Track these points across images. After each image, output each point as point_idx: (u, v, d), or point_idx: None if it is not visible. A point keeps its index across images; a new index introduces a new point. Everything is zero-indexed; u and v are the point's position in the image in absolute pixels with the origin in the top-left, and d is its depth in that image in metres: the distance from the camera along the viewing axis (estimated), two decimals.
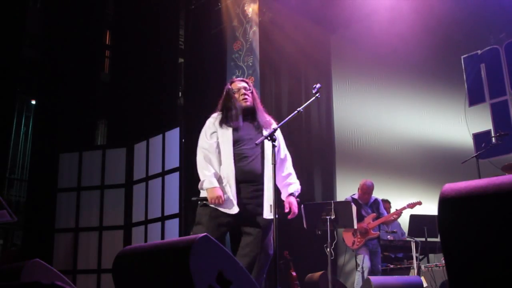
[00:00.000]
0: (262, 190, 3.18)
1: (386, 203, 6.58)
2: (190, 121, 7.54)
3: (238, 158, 3.18)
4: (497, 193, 1.41)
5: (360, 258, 5.74)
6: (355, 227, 5.16)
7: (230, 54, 7.78)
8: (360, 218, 5.76)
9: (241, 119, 3.27)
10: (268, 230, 3.18)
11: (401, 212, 5.90)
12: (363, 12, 7.65)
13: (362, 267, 5.62)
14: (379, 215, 5.89)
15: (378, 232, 5.78)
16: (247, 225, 3.19)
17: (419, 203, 5.81)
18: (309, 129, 8.17)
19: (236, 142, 3.21)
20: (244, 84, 3.39)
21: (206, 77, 7.87)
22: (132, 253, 2.19)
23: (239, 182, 3.15)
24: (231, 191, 3.11)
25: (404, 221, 6.42)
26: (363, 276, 5.52)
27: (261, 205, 3.16)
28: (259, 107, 3.39)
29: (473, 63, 6.99)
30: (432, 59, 7.29)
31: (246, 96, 3.33)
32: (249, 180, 3.18)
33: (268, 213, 3.15)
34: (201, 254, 1.88)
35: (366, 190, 5.93)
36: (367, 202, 5.95)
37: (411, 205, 5.82)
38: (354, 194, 6.07)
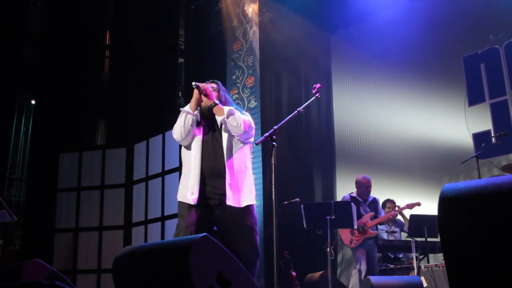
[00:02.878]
0: (224, 184, 3.21)
1: (391, 203, 6.55)
2: None
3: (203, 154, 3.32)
4: (497, 193, 1.41)
5: (357, 258, 5.72)
6: (355, 227, 5.15)
7: (230, 54, 7.78)
8: (359, 217, 5.73)
9: (201, 117, 3.39)
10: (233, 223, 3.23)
11: (399, 212, 5.89)
12: (363, 12, 7.64)
13: (360, 269, 5.60)
14: (377, 215, 5.87)
15: (376, 231, 5.77)
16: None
17: (418, 204, 5.81)
18: (309, 129, 8.16)
19: (203, 140, 3.36)
20: (211, 85, 3.48)
21: (206, 77, 7.86)
22: (132, 253, 2.19)
23: (203, 177, 3.25)
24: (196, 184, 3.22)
25: None
26: (360, 278, 5.51)
27: (223, 197, 3.20)
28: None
29: (473, 63, 6.99)
30: (432, 59, 7.29)
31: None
32: (210, 175, 3.25)
33: (234, 202, 3.20)
34: (201, 254, 1.88)
35: (366, 183, 5.90)
36: (366, 199, 5.90)
37: (410, 206, 5.81)
38: (352, 193, 6.04)
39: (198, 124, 3.37)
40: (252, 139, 3.45)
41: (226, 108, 3.30)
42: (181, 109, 3.38)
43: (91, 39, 8.61)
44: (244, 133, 3.28)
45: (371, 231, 5.70)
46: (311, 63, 8.34)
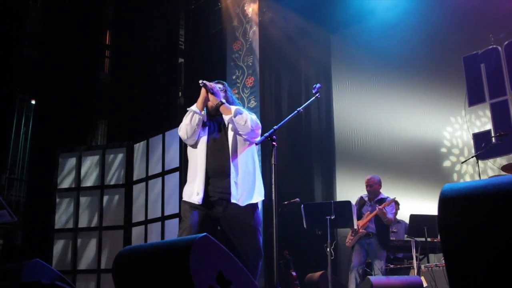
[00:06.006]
0: (229, 182, 3.22)
1: (396, 204, 6.50)
2: None
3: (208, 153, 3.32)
4: (497, 193, 1.41)
5: (351, 258, 5.68)
6: (355, 227, 5.15)
7: (230, 54, 7.78)
8: (360, 216, 5.72)
9: (207, 118, 3.41)
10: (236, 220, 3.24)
11: (381, 210, 5.71)
12: (363, 12, 7.65)
13: (353, 269, 5.56)
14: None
15: (365, 230, 5.61)
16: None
17: (394, 200, 5.74)
18: (309, 129, 8.16)
19: (208, 139, 3.37)
20: (217, 85, 3.49)
21: (206, 77, 7.85)
22: (132, 253, 2.19)
23: (208, 176, 3.26)
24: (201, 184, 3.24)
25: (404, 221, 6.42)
26: (354, 278, 5.49)
27: (228, 196, 3.21)
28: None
29: (473, 63, 6.99)
30: (432, 59, 7.29)
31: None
32: (216, 175, 3.26)
33: (239, 201, 3.21)
34: (201, 254, 1.88)
35: (366, 183, 5.87)
36: (372, 199, 5.83)
37: (387, 203, 5.72)
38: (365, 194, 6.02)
39: (203, 124, 3.37)
40: (258, 138, 3.44)
41: (233, 107, 3.30)
42: (188, 108, 3.38)
43: (91, 39, 8.62)
44: (251, 131, 3.28)
45: (361, 230, 5.63)
46: (311, 63, 8.34)
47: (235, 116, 3.24)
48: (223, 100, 3.30)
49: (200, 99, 3.33)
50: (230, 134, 3.32)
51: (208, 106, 3.37)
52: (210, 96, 3.30)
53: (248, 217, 3.23)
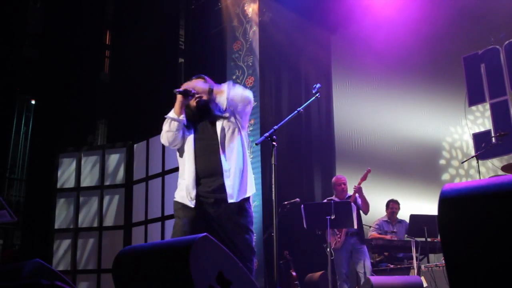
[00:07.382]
0: (222, 181, 3.20)
1: (395, 203, 6.50)
2: None
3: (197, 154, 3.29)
4: (497, 193, 1.41)
5: (338, 262, 5.56)
6: (355, 227, 5.13)
7: (230, 54, 7.78)
8: None
9: (192, 119, 3.36)
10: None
11: (359, 188, 5.63)
12: (363, 12, 7.65)
13: (346, 276, 5.50)
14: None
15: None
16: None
17: (369, 170, 5.64)
18: (309, 129, 8.16)
19: (195, 139, 3.33)
20: (198, 80, 3.46)
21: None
22: (132, 253, 2.19)
23: (199, 177, 3.24)
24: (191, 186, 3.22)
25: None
26: (347, 284, 5.43)
27: (223, 195, 3.19)
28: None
29: (473, 63, 6.99)
30: (432, 59, 7.30)
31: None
32: (207, 175, 3.23)
33: (232, 197, 3.19)
34: (201, 254, 1.88)
35: (336, 182, 5.86)
36: (343, 198, 5.76)
37: (363, 178, 5.64)
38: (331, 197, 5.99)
39: (188, 126, 3.34)
40: (247, 125, 3.43)
41: (224, 84, 3.30)
42: (165, 116, 3.35)
43: (91, 39, 8.62)
44: (250, 99, 3.30)
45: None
46: (311, 63, 8.33)
47: (230, 91, 3.24)
48: (211, 86, 3.30)
49: (177, 105, 3.30)
50: (218, 129, 3.28)
51: (191, 107, 3.32)
52: (202, 92, 3.28)
53: (241, 216, 3.21)
